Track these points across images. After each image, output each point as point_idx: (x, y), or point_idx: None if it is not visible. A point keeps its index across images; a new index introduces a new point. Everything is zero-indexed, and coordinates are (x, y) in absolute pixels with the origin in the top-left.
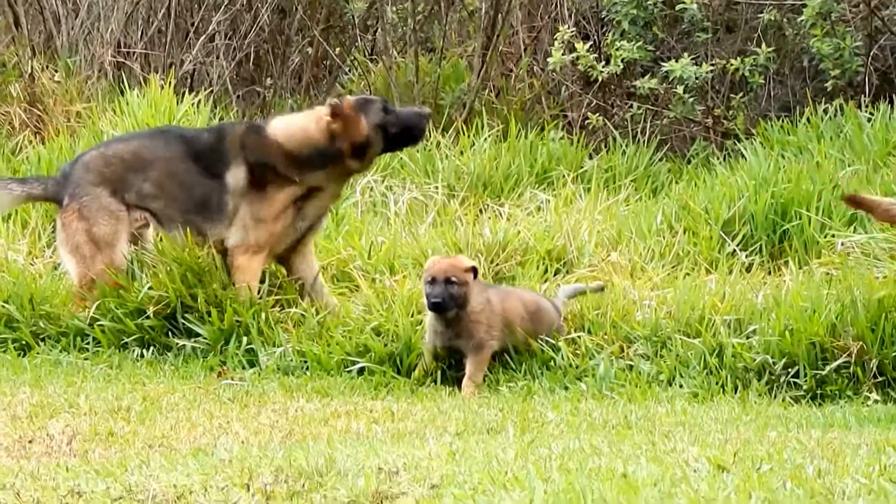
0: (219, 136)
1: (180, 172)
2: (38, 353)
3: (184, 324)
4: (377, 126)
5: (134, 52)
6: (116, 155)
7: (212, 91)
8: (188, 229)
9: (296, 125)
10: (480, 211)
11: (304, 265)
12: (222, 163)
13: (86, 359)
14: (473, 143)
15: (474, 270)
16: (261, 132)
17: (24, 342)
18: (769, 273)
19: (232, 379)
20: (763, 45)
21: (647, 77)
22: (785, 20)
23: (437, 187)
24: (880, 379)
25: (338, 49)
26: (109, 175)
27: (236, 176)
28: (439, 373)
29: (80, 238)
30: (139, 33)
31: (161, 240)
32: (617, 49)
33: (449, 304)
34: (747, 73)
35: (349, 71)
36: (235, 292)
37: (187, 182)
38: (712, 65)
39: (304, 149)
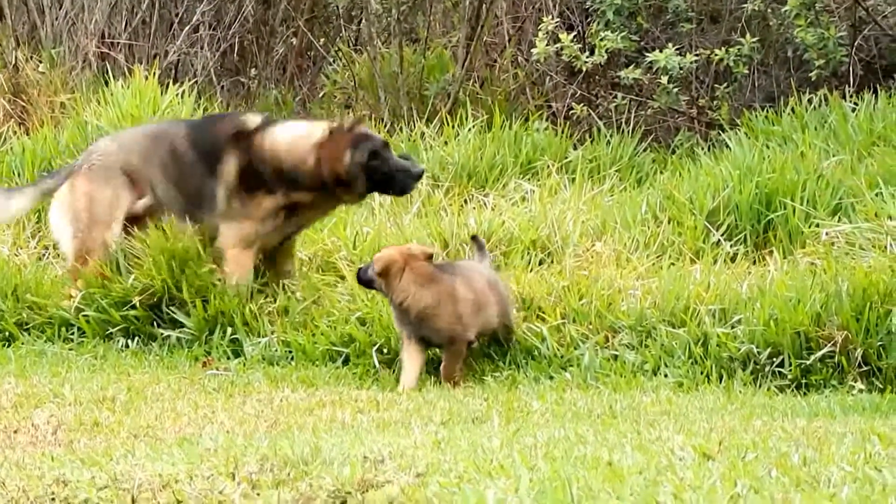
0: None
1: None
2: (22, 343)
3: (169, 314)
4: (360, 166)
5: (118, 43)
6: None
7: (196, 82)
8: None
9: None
10: (465, 201)
11: (287, 263)
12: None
13: (71, 349)
14: (458, 134)
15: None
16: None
17: (8, 332)
18: (754, 263)
19: (217, 369)
20: (747, 36)
21: (631, 67)
22: (769, 10)
23: None
24: (865, 368)
25: (322, 40)
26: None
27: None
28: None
29: (80, 205)
30: (123, 24)
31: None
32: (601, 39)
33: (360, 279)
34: (732, 64)
35: (333, 62)
36: (225, 282)
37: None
38: (697, 55)
39: (293, 166)
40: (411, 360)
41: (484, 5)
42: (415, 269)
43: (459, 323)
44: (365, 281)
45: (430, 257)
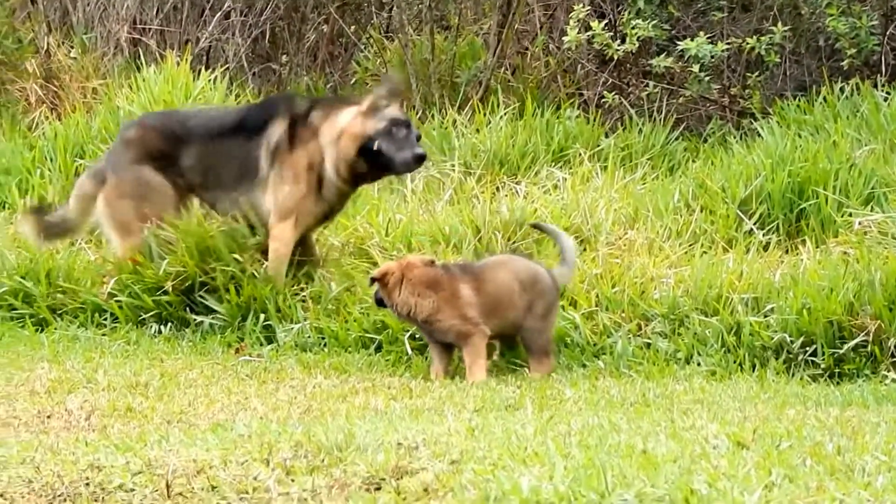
0: None
1: None
2: (55, 329)
3: (201, 300)
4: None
5: (150, 29)
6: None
7: (227, 68)
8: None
9: None
10: (497, 189)
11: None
12: None
13: (103, 335)
14: (489, 121)
15: (372, 280)
16: None
17: (41, 317)
18: (786, 252)
19: (250, 355)
20: (779, 24)
21: (662, 56)
22: None
23: (453, 165)
24: None
25: (353, 27)
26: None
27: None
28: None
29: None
30: (155, 10)
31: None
32: (632, 27)
33: (376, 301)
34: (763, 52)
35: (365, 48)
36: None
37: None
38: (728, 43)
39: None
40: (439, 354)
41: None
42: (413, 278)
43: (466, 321)
44: (378, 300)
45: (430, 264)
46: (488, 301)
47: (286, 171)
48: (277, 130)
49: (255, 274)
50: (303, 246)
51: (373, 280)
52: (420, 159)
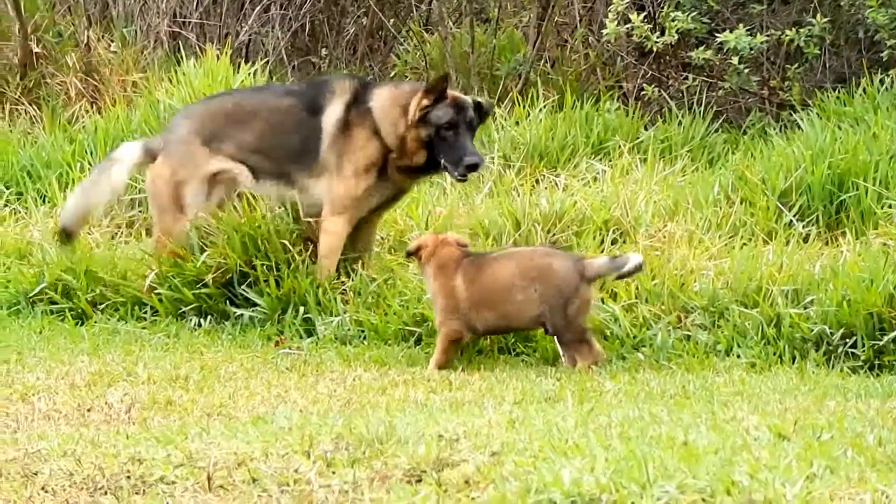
0: None
1: None
2: (95, 322)
3: (242, 293)
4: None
5: (189, 23)
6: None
7: (267, 62)
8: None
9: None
10: (537, 181)
11: (367, 240)
12: None
13: (143, 328)
14: (529, 114)
15: (408, 254)
16: None
17: (81, 311)
18: (826, 243)
19: (290, 348)
20: (818, 16)
21: (702, 48)
22: None
23: (493, 157)
24: None
25: (393, 20)
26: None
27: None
28: (495, 344)
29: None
30: (195, 3)
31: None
32: (672, 20)
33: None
34: (802, 44)
35: (404, 41)
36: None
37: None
38: (767, 36)
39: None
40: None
41: None
42: (440, 256)
43: (447, 312)
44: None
45: (463, 246)
46: (481, 293)
47: (347, 164)
48: (336, 112)
49: (300, 265)
50: (356, 239)
51: (408, 254)
52: (472, 168)
